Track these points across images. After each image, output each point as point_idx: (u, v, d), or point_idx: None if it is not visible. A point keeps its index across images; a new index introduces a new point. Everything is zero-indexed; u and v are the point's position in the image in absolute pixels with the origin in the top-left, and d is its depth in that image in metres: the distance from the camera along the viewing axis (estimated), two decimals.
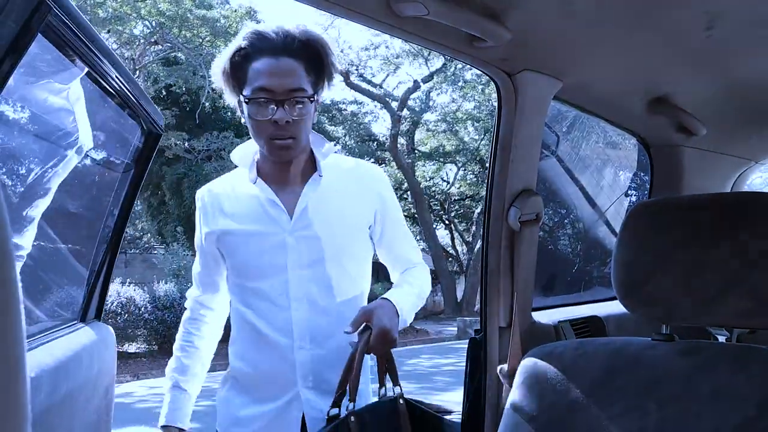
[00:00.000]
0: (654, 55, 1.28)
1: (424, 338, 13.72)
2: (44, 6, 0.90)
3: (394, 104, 16.71)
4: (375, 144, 18.64)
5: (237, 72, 1.30)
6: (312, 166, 1.41)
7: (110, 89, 1.37)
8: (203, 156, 14.50)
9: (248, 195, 1.39)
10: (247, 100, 1.28)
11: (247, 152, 1.45)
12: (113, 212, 1.61)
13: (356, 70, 16.81)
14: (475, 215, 17.45)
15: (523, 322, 1.41)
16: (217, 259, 1.45)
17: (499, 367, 1.36)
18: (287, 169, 1.38)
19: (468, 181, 19.63)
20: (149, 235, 20.59)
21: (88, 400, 1.29)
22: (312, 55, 1.29)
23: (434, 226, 18.85)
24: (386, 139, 17.62)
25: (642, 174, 2.19)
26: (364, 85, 17.24)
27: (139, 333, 9.70)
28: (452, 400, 1.59)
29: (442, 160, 19.12)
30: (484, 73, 1.30)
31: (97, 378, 1.37)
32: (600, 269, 2.21)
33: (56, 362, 1.18)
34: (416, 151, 18.72)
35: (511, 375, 1.24)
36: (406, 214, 20.10)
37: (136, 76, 13.49)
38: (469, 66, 1.31)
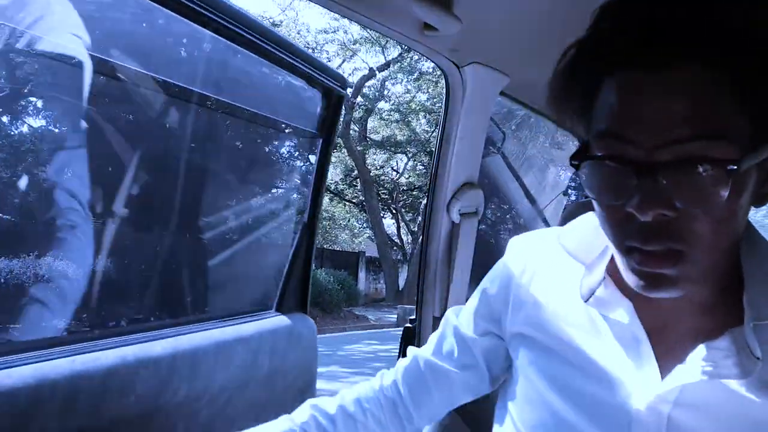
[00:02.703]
0: None
1: (364, 324, 13.82)
2: None
3: (349, 90, 16.60)
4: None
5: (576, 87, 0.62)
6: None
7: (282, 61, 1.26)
8: None
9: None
10: (576, 162, 0.60)
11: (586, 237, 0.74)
12: (303, 191, 1.52)
13: (312, 52, 16.58)
14: (422, 206, 17.62)
15: None
16: None
17: None
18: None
19: (417, 172, 19.77)
20: None
21: (283, 389, 1.29)
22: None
23: (381, 214, 18.91)
24: (338, 125, 17.53)
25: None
26: None
27: None
28: None
29: (393, 149, 19.14)
30: (433, 63, 1.29)
31: (288, 369, 1.33)
32: None
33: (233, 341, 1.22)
34: (368, 139, 18.66)
35: None
36: (355, 201, 20.09)
37: None
38: (425, 58, 1.28)
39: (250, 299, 1.54)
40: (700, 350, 0.61)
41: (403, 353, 1.45)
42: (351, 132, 16.82)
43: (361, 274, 20.21)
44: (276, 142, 1.65)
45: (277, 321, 1.42)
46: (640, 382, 0.64)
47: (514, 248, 0.84)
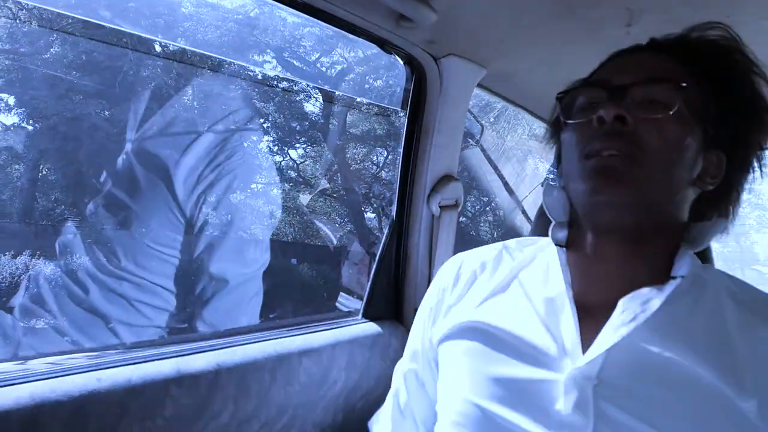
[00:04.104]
0: (575, 48, 1.30)
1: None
2: None
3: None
4: (307, 123, 18.34)
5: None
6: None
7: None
8: None
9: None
10: (560, 96, 0.77)
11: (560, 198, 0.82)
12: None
13: (289, 47, 16.44)
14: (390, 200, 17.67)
15: None
16: None
17: None
18: (605, 242, 0.72)
19: (397, 166, 19.76)
20: None
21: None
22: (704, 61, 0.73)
23: (362, 208, 18.91)
24: (318, 118, 17.40)
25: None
26: (297, 62, 16.91)
27: None
28: None
29: (372, 143, 19.11)
30: (410, 56, 1.27)
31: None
32: None
33: None
34: (348, 133, 18.60)
35: None
36: (335, 195, 20.01)
37: None
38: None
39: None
40: (620, 305, 0.66)
41: None
42: (330, 126, 16.74)
43: None
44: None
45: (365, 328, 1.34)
46: (566, 357, 0.67)
47: (444, 269, 0.90)
